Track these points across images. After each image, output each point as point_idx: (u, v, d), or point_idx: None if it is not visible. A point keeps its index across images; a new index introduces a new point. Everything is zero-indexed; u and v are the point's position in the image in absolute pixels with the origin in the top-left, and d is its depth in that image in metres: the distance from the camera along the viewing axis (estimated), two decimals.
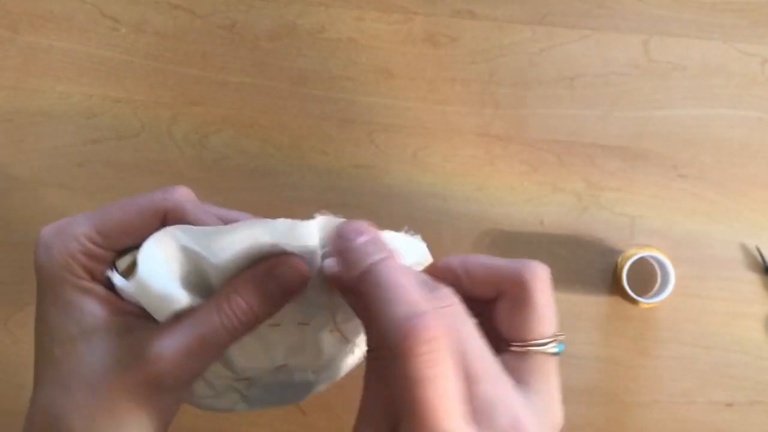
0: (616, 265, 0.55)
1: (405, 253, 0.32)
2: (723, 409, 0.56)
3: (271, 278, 0.29)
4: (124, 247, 0.31)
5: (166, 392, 0.29)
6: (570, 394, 0.56)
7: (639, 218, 0.56)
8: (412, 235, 0.32)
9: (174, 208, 0.31)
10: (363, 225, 0.28)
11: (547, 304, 0.30)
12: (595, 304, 0.56)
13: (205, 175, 0.58)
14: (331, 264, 0.30)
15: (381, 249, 0.27)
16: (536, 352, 0.29)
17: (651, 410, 0.56)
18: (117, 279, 0.29)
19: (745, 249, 0.56)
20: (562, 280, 0.56)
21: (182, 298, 0.29)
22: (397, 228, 0.57)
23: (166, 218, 0.31)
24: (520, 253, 0.56)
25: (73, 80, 0.58)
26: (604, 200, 0.56)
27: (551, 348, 0.30)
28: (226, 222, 0.32)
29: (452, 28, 0.57)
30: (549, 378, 0.29)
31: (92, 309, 0.30)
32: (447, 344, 0.25)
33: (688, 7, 0.57)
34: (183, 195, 0.32)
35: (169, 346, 0.28)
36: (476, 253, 0.57)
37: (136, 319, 0.30)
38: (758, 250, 0.56)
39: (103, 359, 0.29)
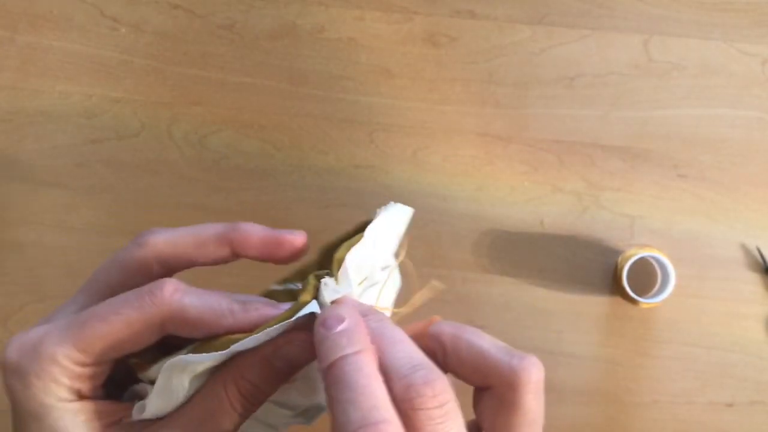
0: (616, 265, 0.55)
1: (389, 233, 0.31)
2: (723, 409, 0.56)
3: (278, 357, 0.28)
4: (111, 360, 0.28)
5: None
6: (570, 394, 0.56)
7: (639, 218, 0.56)
8: (390, 205, 0.31)
9: (172, 313, 0.27)
10: (346, 311, 0.26)
11: (537, 411, 0.27)
12: (595, 304, 0.56)
13: (205, 175, 0.58)
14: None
15: (353, 342, 0.25)
16: None
17: (651, 410, 0.56)
18: (136, 414, 0.28)
19: (745, 249, 0.56)
20: (562, 280, 0.56)
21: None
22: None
23: (164, 325, 0.27)
24: (520, 253, 0.56)
25: (73, 80, 0.58)
26: (604, 200, 0.56)
27: None
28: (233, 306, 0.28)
29: (452, 28, 0.57)
30: None
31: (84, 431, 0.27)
32: None
33: (688, 7, 0.57)
34: (174, 292, 0.27)
35: None
36: (476, 253, 0.57)
37: (130, 426, 0.28)
38: (758, 250, 0.56)
39: None
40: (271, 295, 0.31)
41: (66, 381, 0.27)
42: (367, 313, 0.28)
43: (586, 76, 0.57)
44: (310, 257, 0.35)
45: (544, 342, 0.56)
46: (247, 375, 0.28)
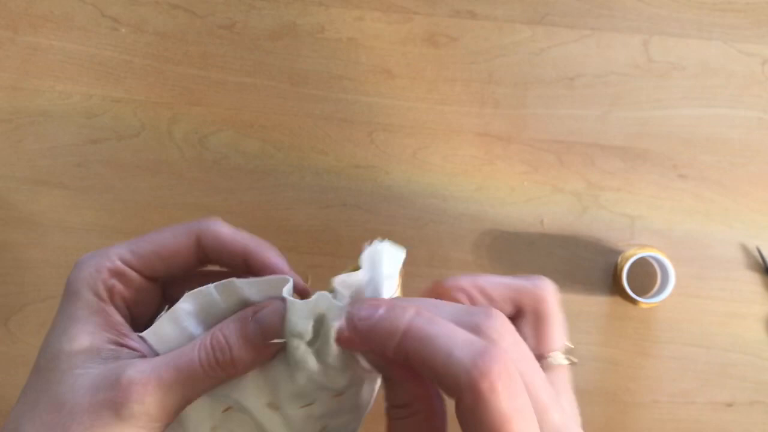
0: (616, 265, 0.55)
1: (388, 267, 0.31)
2: (723, 409, 0.56)
3: (253, 320, 0.29)
4: (157, 271, 0.32)
5: (132, 421, 0.28)
6: None
7: (639, 218, 0.56)
8: (381, 241, 0.31)
9: (207, 228, 0.32)
10: (374, 300, 0.28)
11: (561, 317, 0.31)
12: (595, 304, 0.56)
13: (205, 175, 0.58)
14: (342, 327, 0.29)
15: (405, 309, 0.26)
16: (559, 364, 0.31)
17: (651, 410, 0.56)
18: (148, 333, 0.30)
19: (745, 249, 0.56)
20: (562, 280, 0.56)
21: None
22: (395, 226, 0.57)
23: (200, 239, 0.32)
24: (520, 253, 0.56)
25: (73, 80, 0.58)
26: (604, 200, 0.56)
27: (571, 358, 0.31)
28: (255, 247, 0.32)
29: (452, 28, 0.57)
30: (569, 387, 0.31)
31: (92, 330, 0.30)
32: (517, 373, 0.24)
33: (688, 7, 0.57)
34: (216, 221, 0.33)
35: (142, 371, 0.28)
36: (476, 253, 0.57)
37: (129, 351, 0.30)
38: (758, 250, 0.56)
39: (77, 380, 0.28)
40: None
41: (106, 275, 0.30)
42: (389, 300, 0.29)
43: (586, 76, 0.57)
44: None
45: None
46: (223, 329, 0.29)
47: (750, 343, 0.56)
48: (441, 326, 0.25)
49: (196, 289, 0.29)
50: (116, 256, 0.31)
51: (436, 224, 0.57)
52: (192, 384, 0.28)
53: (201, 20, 0.58)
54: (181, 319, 0.29)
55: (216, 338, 0.28)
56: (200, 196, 0.58)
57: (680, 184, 0.56)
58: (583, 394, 0.56)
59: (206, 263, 0.32)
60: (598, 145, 0.57)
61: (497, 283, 0.30)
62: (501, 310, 0.29)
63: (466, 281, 0.30)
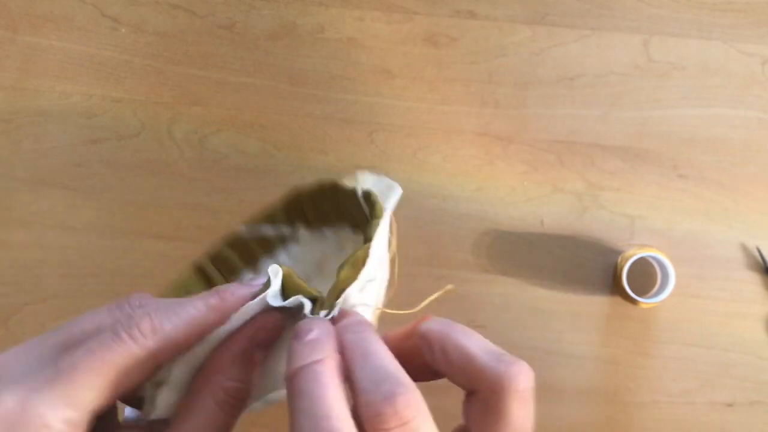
0: (616, 265, 0.55)
1: (384, 228, 0.31)
2: (723, 409, 0.56)
3: (257, 349, 0.28)
4: (109, 406, 0.26)
5: None
6: (570, 394, 0.56)
7: (639, 218, 0.56)
8: (379, 175, 0.31)
9: (159, 347, 0.26)
10: (317, 322, 0.26)
11: (523, 419, 0.25)
12: (595, 304, 0.56)
13: (205, 175, 0.58)
14: None
15: (315, 352, 0.25)
16: None
17: (651, 410, 0.56)
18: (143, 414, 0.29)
19: (745, 249, 0.56)
20: (562, 280, 0.56)
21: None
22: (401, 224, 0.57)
23: (157, 359, 0.26)
24: (520, 253, 0.56)
25: (73, 80, 0.58)
26: (604, 200, 0.56)
27: None
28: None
29: (452, 28, 0.57)
30: None
31: None
32: None
33: (688, 7, 0.57)
34: (152, 324, 0.26)
35: None
36: (476, 253, 0.57)
37: None
38: (758, 250, 0.56)
39: None
40: (238, 242, 0.34)
41: None
42: (348, 325, 0.27)
43: (586, 76, 0.57)
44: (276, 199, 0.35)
45: (544, 342, 0.56)
46: (231, 376, 0.27)
47: (750, 343, 0.56)
48: (321, 389, 0.24)
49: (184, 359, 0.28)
50: (60, 422, 0.24)
51: (436, 224, 0.57)
52: None
53: (201, 20, 0.58)
54: (178, 387, 0.28)
55: (229, 386, 0.27)
56: (200, 196, 0.58)
57: (680, 184, 0.56)
58: (583, 394, 0.56)
59: None
60: (598, 145, 0.57)
61: (461, 351, 0.26)
62: (456, 379, 0.26)
63: (436, 333, 0.26)
